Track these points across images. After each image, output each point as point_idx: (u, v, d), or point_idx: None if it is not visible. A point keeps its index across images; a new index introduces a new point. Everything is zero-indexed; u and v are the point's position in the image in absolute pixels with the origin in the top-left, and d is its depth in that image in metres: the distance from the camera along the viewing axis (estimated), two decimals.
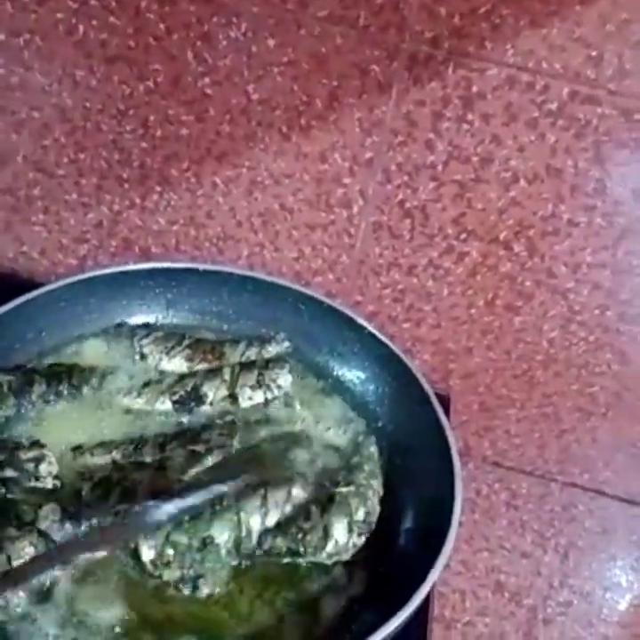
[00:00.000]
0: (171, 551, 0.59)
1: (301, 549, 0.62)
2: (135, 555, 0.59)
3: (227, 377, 0.75)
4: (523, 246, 0.77)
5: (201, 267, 0.80)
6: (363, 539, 0.64)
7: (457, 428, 0.93)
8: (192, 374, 0.76)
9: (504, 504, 0.93)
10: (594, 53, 0.65)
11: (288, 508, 0.64)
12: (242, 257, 0.86)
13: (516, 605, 0.84)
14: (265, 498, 0.64)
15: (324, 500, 0.65)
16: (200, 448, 0.67)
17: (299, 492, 0.65)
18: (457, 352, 0.88)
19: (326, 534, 0.63)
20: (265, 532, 0.62)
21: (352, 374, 0.78)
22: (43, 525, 0.58)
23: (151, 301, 0.80)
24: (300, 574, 0.62)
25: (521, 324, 0.84)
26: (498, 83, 0.68)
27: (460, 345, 0.87)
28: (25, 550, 0.56)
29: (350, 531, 0.64)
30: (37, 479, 0.62)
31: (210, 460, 0.67)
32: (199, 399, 0.73)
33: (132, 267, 0.78)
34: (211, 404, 0.73)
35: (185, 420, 0.72)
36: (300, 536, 0.62)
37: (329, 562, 0.63)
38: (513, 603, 0.84)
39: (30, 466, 0.63)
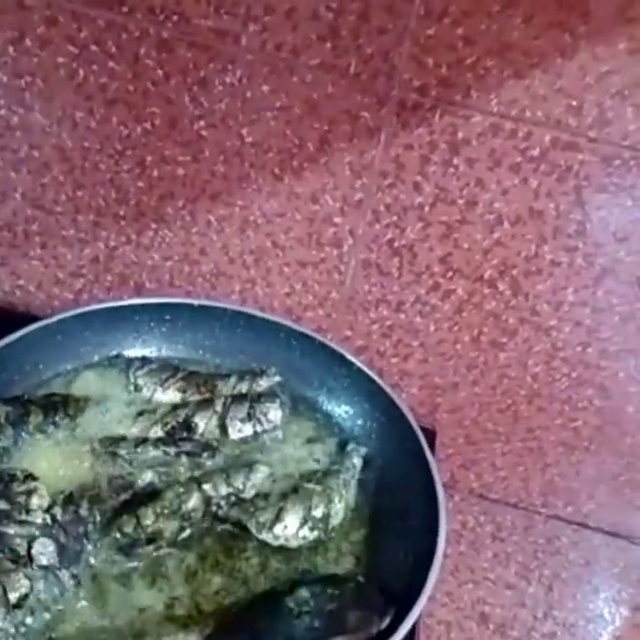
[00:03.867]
0: None
1: (250, 523, 0.66)
2: None
3: (218, 408, 0.77)
4: (507, 285, 0.80)
5: (195, 302, 0.82)
6: (314, 534, 0.68)
7: (443, 460, 0.95)
8: (184, 405, 0.77)
9: (489, 536, 0.95)
10: (574, 103, 0.68)
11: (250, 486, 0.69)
12: (234, 292, 0.88)
13: (501, 637, 0.85)
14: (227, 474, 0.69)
15: (288, 490, 0.70)
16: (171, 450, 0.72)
17: (262, 474, 0.71)
18: (443, 386, 0.90)
19: (278, 517, 0.67)
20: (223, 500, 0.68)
21: (341, 409, 0.80)
22: (37, 558, 0.59)
23: (146, 335, 0.82)
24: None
25: (505, 359, 0.86)
26: (482, 129, 0.71)
27: (446, 379, 0.89)
28: (21, 582, 0.57)
29: (303, 522, 0.68)
30: (28, 512, 0.63)
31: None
32: (190, 429, 0.75)
33: (126, 301, 0.80)
34: (201, 434, 0.75)
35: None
36: (251, 510, 0.67)
37: (274, 543, 0.66)
38: (498, 634, 0.85)
39: (22, 499, 0.64)
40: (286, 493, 0.69)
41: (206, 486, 0.68)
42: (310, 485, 0.70)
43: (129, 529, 0.63)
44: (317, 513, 0.68)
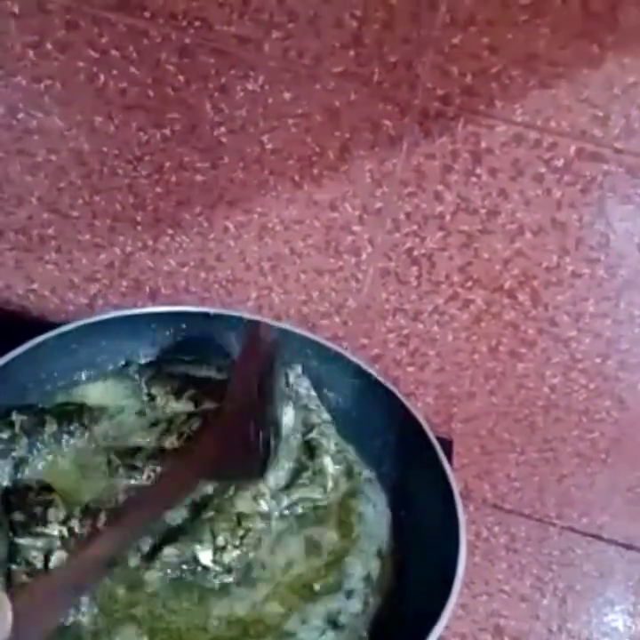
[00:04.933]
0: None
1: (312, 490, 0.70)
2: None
3: None
4: (527, 295, 0.79)
5: (211, 311, 0.81)
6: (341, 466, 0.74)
7: (458, 470, 0.94)
8: (199, 414, 0.77)
9: (503, 547, 0.94)
10: (600, 113, 0.67)
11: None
12: (250, 299, 0.87)
13: None
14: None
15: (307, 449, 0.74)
16: None
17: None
18: (459, 396, 0.89)
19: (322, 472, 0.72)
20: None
21: (358, 420, 0.79)
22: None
23: (161, 343, 0.81)
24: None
25: (523, 370, 0.85)
26: (506, 139, 0.70)
27: (462, 389, 0.89)
28: None
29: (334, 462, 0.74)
30: (45, 524, 0.62)
31: None
32: None
33: (143, 310, 0.79)
34: None
35: None
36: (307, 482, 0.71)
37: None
38: None
39: (38, 510, 0.63)
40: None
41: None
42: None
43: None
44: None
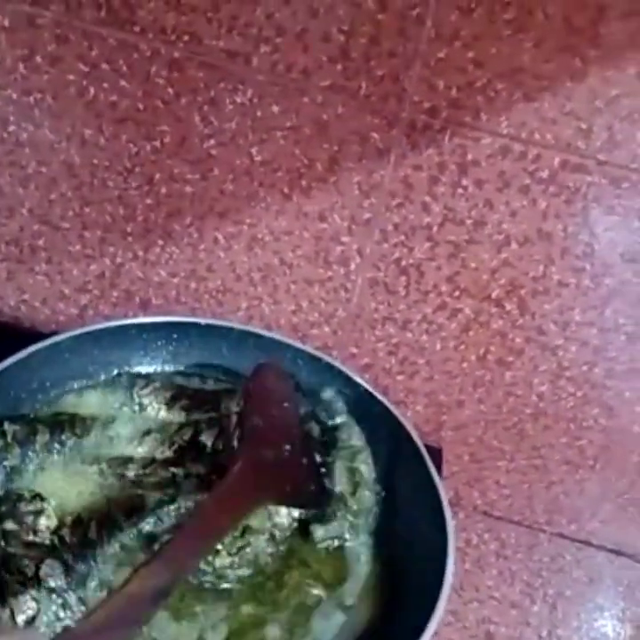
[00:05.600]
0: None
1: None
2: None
3: (224, 427, 0.77)
4: (514, 305, 0.80)
5: (202, 321, 0.81)
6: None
7: (448, 478, 0.95)
8: (190, 424, 0.77)
9: (493, 554, 0.95)
10: (584, 126, 0.68)
11: None
12: (241, 309, 0.88)
13: None
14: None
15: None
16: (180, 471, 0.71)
17: None
18: (449, 404, 0.90)
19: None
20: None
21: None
22: (45, 580, 0.58)
23: (153, 353, 0.82)
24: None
25: (511, 378, 0.86)
26: (492, 151, 0.71)
27: (452, 397, 0.90)
28: (28, 604, 0.57)
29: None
30: (36, 533, 0.62)
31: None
32: (198, 448, 0.74)
33: (135, 320, 0.80)
34: (209, 453, 0.75)
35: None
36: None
37: None
38: None
39: (30, 519, 0.63)
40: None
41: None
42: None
43: None
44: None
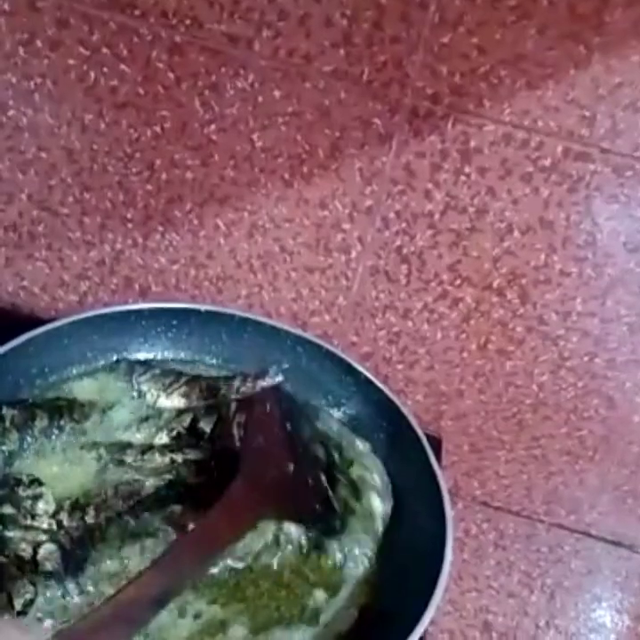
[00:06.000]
0: None
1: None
2: None
3: (223, 413, 0.76)
4: (515, 294, 0.80)
5: (202, 307, 0.81)
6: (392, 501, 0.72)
7: (448, 467, 0.95)
8: (189, 410, 0.77)
9: (492, 544, 0.95)
10: (587, 114, 0.68)
11: None
12: (241, 297, 0.87)
13: None
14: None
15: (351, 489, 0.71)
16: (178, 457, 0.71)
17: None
18: (449, 394, 0.90)
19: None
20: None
21: (347, 417, 0.80)
22: (42, 564, 0.59)
23: (152, 339, 0.82)
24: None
25: (512, 368, 0.86)
26: (494, 139, 0.71)
27: (452, 387, 0.89)
28: (25, 588, 0.57)
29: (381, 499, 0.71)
30: (34, 517, 0.62)
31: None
32: (196, 435, 0.74)
33: (134, 306, 0.80)
34: (207, 439, 0.75)
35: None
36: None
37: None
38: None
39: (28, 503, 0.63)
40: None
41: None
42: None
43: None
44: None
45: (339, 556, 0.66)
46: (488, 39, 0.66)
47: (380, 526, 0.70)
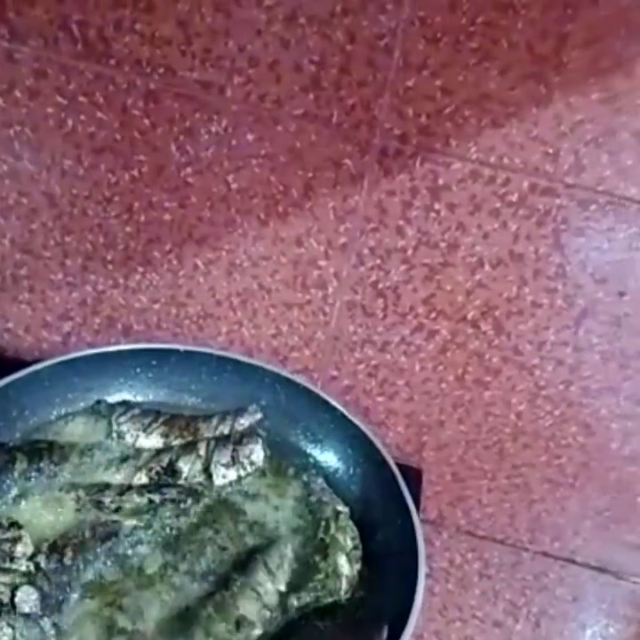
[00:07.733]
0: None
1: (325, 594, 0.66)
2: None
3: (202, 452, 0.77)
4: (489, 325, 0.81)
5: (181, 347, 0.82)
6: (359, 564, 0.69)
7: (430, 498, 0.96)
8: (168, 450, 0.78)
9: (477, 573, 0.95)
10: (550, 150, 0.70)
11: (287, 567, 0.67)
12: (221, 334, 0.89)
13: None
14: (265, 564, 0.66)
15: (320, 547, 0.70)
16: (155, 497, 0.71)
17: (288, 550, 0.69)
18: (429, 425, 0.91)
19: (335, 573, 0.67)
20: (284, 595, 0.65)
21: (325, 454, 0.81)
22: (20, 606, 0.59)
23: (132, 380, 0.83)
24: None
25: (490, 398, 0.87)
26: (462, 176, 0.73)
27: (432, 418, 0.90)
28: (3, 631, 0.57)
29: (349, 561, 0.69)
30: (12, 560, 0.63)
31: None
32: (174, 474, 0.75)
33: (114, 347, 0.81)
34: (185, 479, 0.75)
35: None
36: (319, 586, 0.66)
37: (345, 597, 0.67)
38: None
39: (6, 546, 0.64)
40: (321, 550, 0.70)
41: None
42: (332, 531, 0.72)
43: None
44: (350, 544, 0.71)
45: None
46: (452, 81, 0.68)
47: (345, 585, 0.68)
